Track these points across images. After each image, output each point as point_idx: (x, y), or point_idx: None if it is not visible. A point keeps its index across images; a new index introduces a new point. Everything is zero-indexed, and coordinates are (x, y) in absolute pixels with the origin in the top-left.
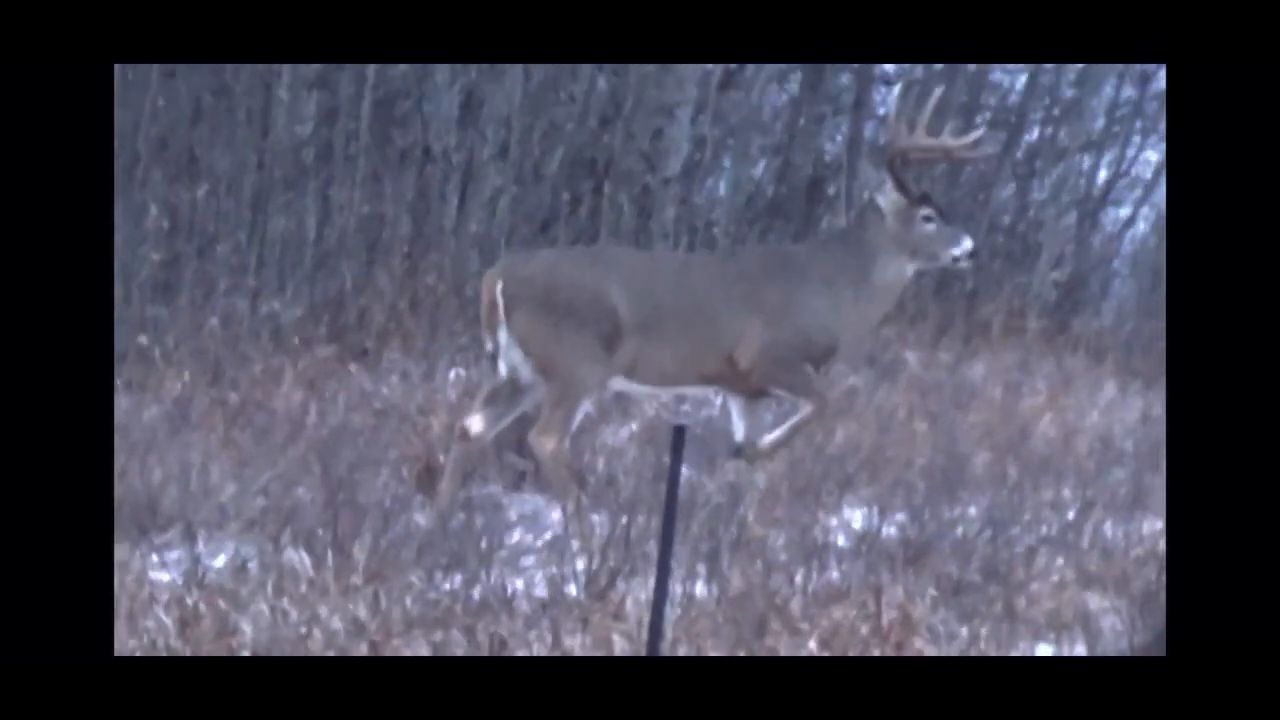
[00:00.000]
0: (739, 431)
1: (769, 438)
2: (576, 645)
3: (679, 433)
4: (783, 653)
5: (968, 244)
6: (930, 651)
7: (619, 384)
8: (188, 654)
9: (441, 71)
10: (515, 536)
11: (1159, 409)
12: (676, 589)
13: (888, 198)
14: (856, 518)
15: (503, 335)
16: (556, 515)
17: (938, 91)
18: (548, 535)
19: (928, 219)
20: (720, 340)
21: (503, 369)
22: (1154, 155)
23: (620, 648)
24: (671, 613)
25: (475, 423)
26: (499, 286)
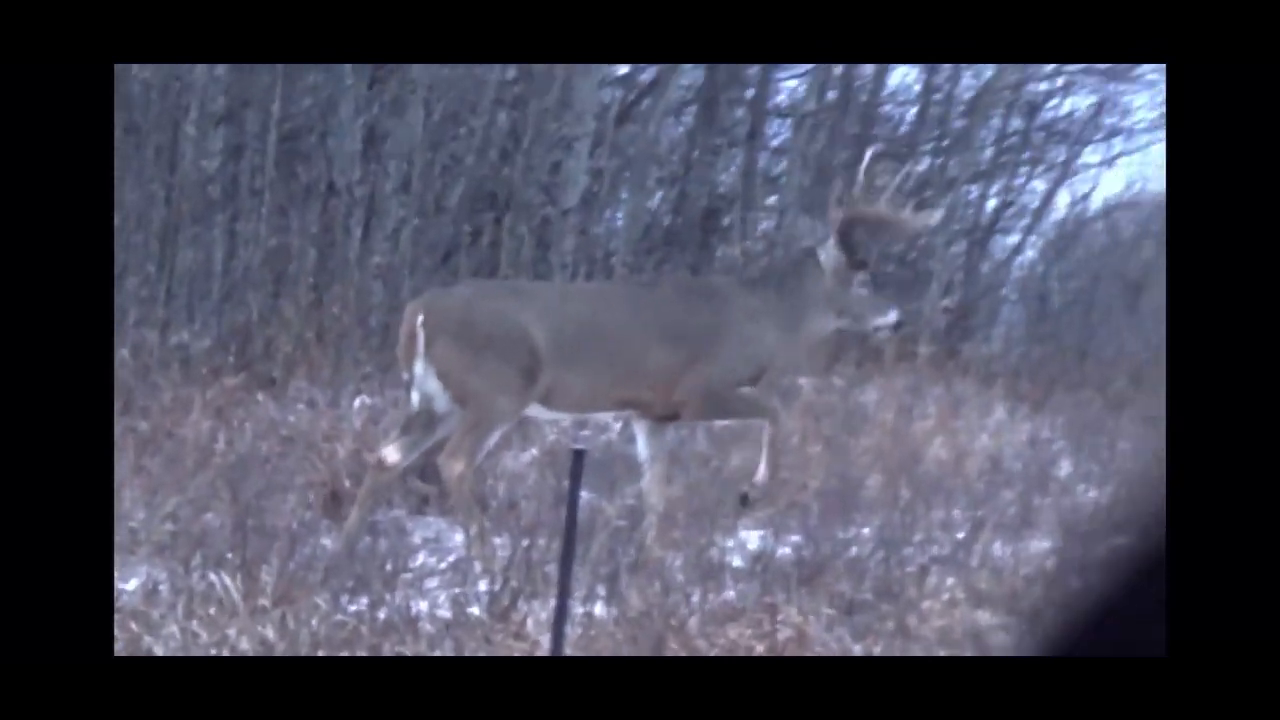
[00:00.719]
0: (643, 453)
1: (760, 474)
2: None
3: (578, 458)
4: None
5: (893, 316)
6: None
7: (533, 411)
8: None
9: (345, 107)
10: (419, 559)
11: (1047, 431)
12: (576, 609)
13: (830, 254)
14: (752, 539)
15: (419, 366)
16: (459, 538)
17: (908, 166)
18: (451, 558)
19: (863, 284)
20: (639, 369)
21: (415, 400)
22: (1041, 184)
23: None
24: (571, 632)
25: (391, 453)
26: (420, 319)
